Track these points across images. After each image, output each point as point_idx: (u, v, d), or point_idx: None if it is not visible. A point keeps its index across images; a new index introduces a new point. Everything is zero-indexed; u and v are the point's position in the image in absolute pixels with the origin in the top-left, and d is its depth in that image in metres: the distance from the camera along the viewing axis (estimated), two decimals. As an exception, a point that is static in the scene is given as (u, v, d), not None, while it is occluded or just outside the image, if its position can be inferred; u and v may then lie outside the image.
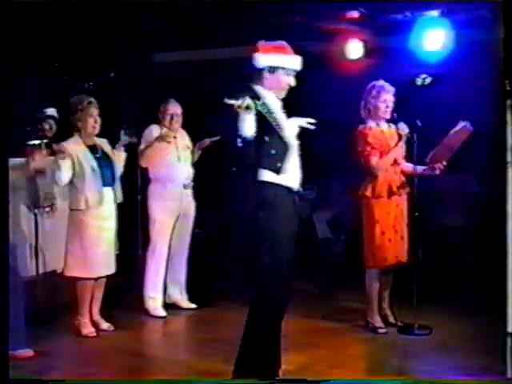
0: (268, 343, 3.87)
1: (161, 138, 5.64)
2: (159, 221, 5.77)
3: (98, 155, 5.15)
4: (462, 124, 4.99)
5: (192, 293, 6.02)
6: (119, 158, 5.37)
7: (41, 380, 3.95)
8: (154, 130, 5.77)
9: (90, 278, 5.15)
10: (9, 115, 3.74)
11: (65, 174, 4.99)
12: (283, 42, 3.93)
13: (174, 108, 5.86)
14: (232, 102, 3.50)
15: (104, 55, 7.37)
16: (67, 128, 5.22)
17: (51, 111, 5.72)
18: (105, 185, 5.14)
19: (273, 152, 3.77)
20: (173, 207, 5.77)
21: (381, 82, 5.20)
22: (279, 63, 3.87)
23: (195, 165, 5.95)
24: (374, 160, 5.08)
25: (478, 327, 5.20)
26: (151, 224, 5.82)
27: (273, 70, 3.87)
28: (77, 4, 5.67)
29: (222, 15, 6.45)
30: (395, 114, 5.14)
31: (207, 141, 6.00)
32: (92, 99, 5.17)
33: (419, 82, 6.40)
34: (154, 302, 5.77)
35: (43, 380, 3.94)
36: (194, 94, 7.11)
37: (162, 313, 5.76)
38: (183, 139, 5.91)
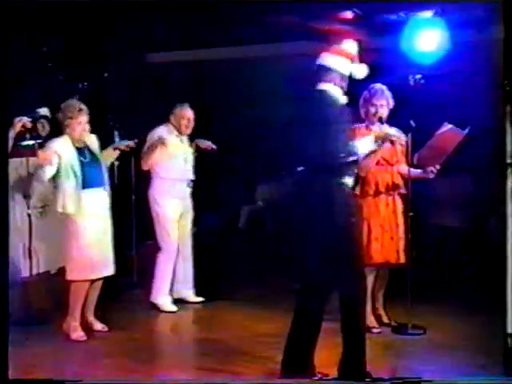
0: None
1: (161, 143, 5.77)
2: (169, 217, 5.95)
3: (86, 159, 5.12)
4: (446, 126, 5.00)
5: (199, 287, 6.15)
6: (109, 157, 5.38)
7: (41, 380, 3.94)
8: (163, 133, 5.90)
9: (87, 280, 5.11)
10: (6, 115, 3.73)
11: (47, 170, 4.94)
12: None
13: (190, 113, 6.02)
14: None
15: (98, 55, 7.36)
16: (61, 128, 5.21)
17: (44, 111, 5.69)
18: (93, 186, 5.10)
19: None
20: (178, 204, 5.99)
21: (377, 86, 5.23)
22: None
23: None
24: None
25: (473, 327, 5.22)
26: (160, 221, 5.96)
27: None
28: (71, 4, 5.65)
29: (215, 15, 6.44)
30: (382, 116, 5.16)
31: (209, 144, 6.09)
32: (83, 106, 5.16)
33: (413, 82, 6.38)
34: (166, 298, 5.93)
35: (44, 380, 3.93)
36: (188, 95, 7.11)
37: (173, 308, 5.91)
38: (187, 143, 6.10)
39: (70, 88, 6.67)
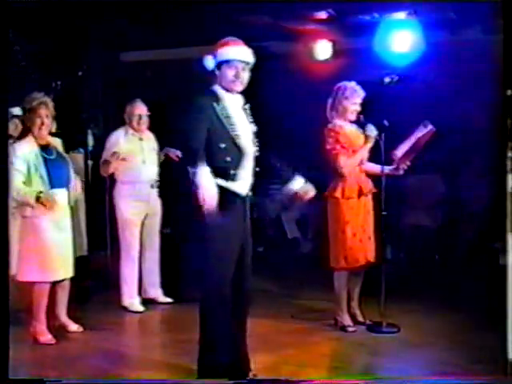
0: (224, 343, 3.86)
1: (116, 157, 5.70)
2: (129, 220, 5.87)
3: (52, 157, 5.00)
4: (424, 129, 5.04)
5: (167, 287, 6.09)
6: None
7: (41, 380, 3.90)
8: (121, 137, 5.85)
9: (44, 282, 4.96)
10: None
11: (15, 179, 4.75)
12: (230, 37, 3.88)
13: (141, 109, 5.89)
14: None
15: (72, 54, 7.32)
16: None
17: (16, 110, 5.63)
18: (57, 186, 4.97)
19: (228, 159, 3.77)
20: (141, 206, 5.87)
21: (352, 84, 5.16)
22: (221, 57, 3.84)
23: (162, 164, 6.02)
24: (343, 159, 5.06)
25: (447, 325, 5.27)
26: (121, 224, 5.90)
27: (218, 66, 3.86)
28: (44, 3, 5.61)
29: (188, 14, 6.43)
30: (362, 116, 5.15)
31: (178, 154, 5.93)
32: (45, 99, 5.03)
33: (387, 81, 6.43)
34: (132, 299, 5.87)
35: (43, 380, 3.89)
36: (161, 94, 7.09)
37: (140, 308, 5.86)
38: (149, 141, 5.98)
39: (43, 87, 6.62)
